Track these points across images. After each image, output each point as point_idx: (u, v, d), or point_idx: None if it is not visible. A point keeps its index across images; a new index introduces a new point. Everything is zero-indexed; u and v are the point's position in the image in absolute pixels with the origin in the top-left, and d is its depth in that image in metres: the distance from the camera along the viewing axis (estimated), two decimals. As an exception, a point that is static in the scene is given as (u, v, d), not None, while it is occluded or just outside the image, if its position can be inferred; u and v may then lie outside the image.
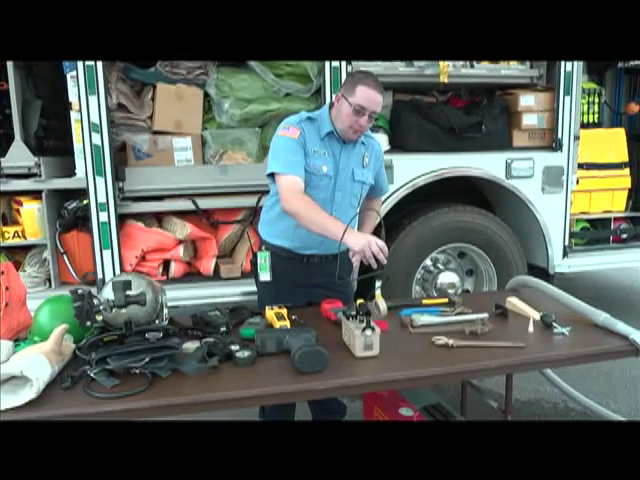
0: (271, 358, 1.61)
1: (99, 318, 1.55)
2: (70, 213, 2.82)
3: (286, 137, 2.00)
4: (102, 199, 2.78)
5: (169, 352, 1.51)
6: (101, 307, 1.51)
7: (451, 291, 3.26)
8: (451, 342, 1.69)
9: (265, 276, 2.11)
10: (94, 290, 2.61)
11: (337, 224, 1.78)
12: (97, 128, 2.69)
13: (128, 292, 1.51)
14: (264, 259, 2.11)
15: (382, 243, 1.70)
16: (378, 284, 1.61)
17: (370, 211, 2.25)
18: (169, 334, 1.58)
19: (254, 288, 2.33)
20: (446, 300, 2.11)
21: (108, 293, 1.55)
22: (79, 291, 1.47)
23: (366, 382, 1.50)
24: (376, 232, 1.99)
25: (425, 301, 2.11)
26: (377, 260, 1.70)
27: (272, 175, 2.02)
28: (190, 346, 1.64)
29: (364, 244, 1.70)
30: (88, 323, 1.47)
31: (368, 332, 1.59)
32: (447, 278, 3.37)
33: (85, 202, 2.81)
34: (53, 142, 3.06)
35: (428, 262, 3.40)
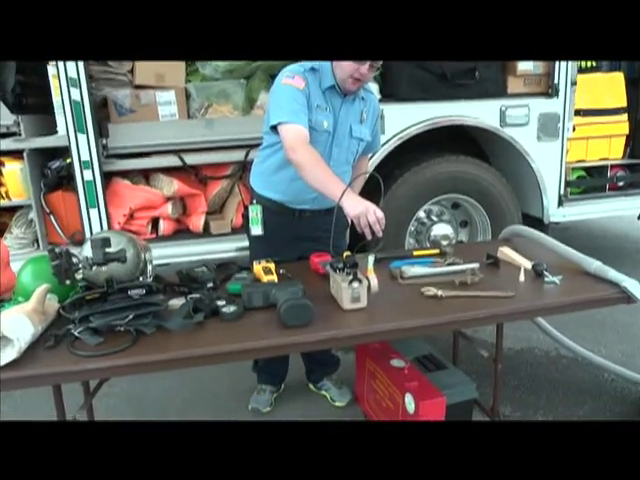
0: (258, 313, 1.60)
1: (79, 277, 1.52)
2: (54, 173, 2.77)
3: (291, 86, 1.92)
4: (85, 157, 2.73)
5: (153, 309, 1.50)
6: (80, 265, 1.48)
7: (445, 243, 3.23)
8: (440, 293, 1.68)
9: (257, 230, 2.10)
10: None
11: (339, 184, 1.72)
12: (75, 83, 2.62)
13: (107, 249, 1.49)
14: (256, 213, 2.10)
15: (381, 214, 1.63)
16: (371, 259, 1.56)
17: (358, 170, 2.22)
18: (153, 291, 1.57)
19: (245, 244, 2.32)
20: (437, 251, 2.10)
21: (87, 251, 1.52)
22: (57, 250, 1.44)
23: (353, 334, 1.50)
24: (370, 196, 1.93)
25: (416, 252, 2.10)
26: (373, 231, 1.65)
27: (273, 126, 1.96)
28: (176, 303, 1.63)
29: (361, 211, 1.63)
30: (67, 282, 1.45)
31: (355, 284, 1.58)
32: (441, 230, 3.35)
33: (68, 161, 2.75)
34: (33, 99, 2.98)
35: (421, 214, 3.38)
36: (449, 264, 1.93)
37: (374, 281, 1.63)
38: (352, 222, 1.68)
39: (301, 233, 2.14)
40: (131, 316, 1.45)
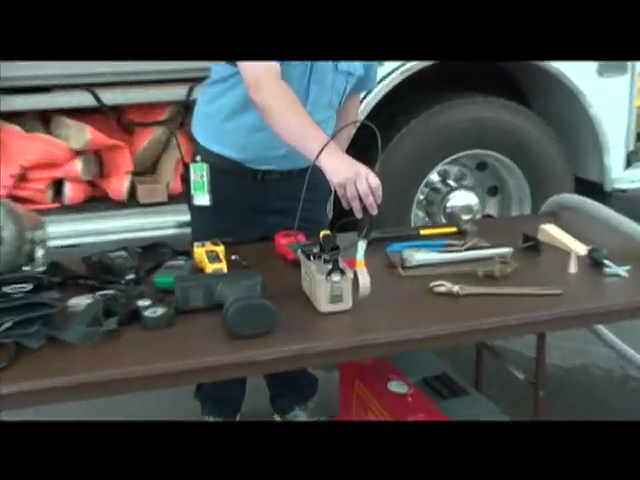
0: (196, 317, 1.57)
1: None
2: None
3: None
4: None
5: (42, 312, 1.44)
6: None
7: (466, 218, 3.20)
8: (457, 289, 1.65)
9: (202, 199, 2.09)
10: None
11: (319, 136, 1.67)
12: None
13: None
14: (200, 174, 2.09)
15: (376, 181, 1.58)
16: (361, 246, 1.54)
17: (345, 117, 2.20)
18: (43, 286, 1.51)
19: (186, 218, 2.33)
20: (454, 229, 2.07)
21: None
22: None
23: (332, 348, 1.47)
24: (362, 153, 1.88)
25: (424, 231, 2.07)
26: (364, 206, 1.59)
27: None
28: (79, 303, 1.58)
29: (349, 176, 1.58)
30: None
31: (335, 277, 1.53)
32: (461, 199, 3.34)
33: None
34: None
35: (434, 177, 3.34)
36: (470, 248, 1.90)
37: (364, 278, 1.56)
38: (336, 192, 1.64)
39: (264, 204, 2.14)
40: (9, 323, 1.40)
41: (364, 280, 1.57)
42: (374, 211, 1.57)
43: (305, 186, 1.61)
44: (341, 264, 1.56)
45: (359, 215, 1.58)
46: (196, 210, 2.19)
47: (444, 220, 3.34)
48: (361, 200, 1.57)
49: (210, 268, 1.73)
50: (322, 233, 1.63)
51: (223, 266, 1.74)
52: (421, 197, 3.32)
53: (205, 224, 2.16)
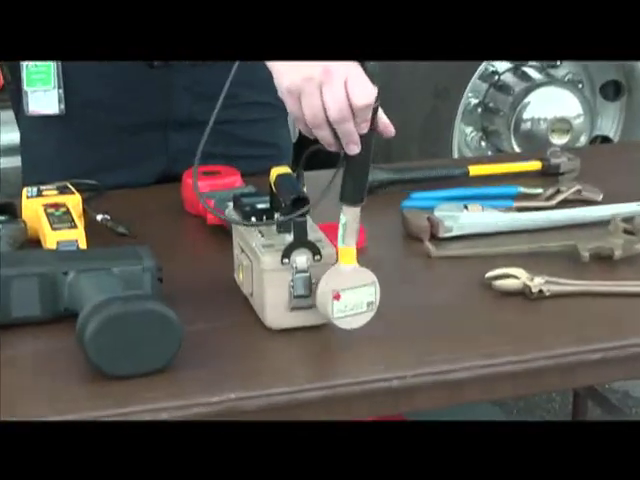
0: (26, 335, 1.13)
1: None
2: None
3: None
4: None
5: None
6: None
7: (561, 141, 2.48)
8: (537, 283, 1.19)
9: (44, 101, 1.59)
10: None
11: None
12: None
13: None
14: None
15: (365, 89, 1.12)
16: (342, 221, 1.06)
17: None
18: None
19: (14, 138, 1.90)
20: (536, 165, 1.60)
21: None
22: None
23: (287, 401, 1.04)
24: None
25: (476, 169, 1.58)
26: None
27: None
28: None
29: (308, 75, 1.13)
30: None
31: (300, 259, 1.06)
32: (550, 105, 2.59)
33: None
34: None
35: (499, 63, 2.56)
36: (566, 203, 1.48)
37: (367, 275, 1.12)
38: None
39: (165, 110, 1.61)
40: None
41: (367, 276, 1.10)
42: (355, 148, 1.08)
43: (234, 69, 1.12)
44: (313, 234, 1.10)
45: (332, 149, 1.10)
46: (30, 125, 1.65)
47: (516, 147, 2.63)
48: (334, 130, 1.10)
49: (53, 239, 1.26)
50: (275, 171, 1.15)
51: (79, 235, 1.25)
52: (473, 101, 2.62)
53: (48, 151, 1.64)
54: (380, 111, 1.08)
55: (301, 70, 1.10)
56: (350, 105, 1.05)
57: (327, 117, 1.07)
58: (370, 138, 1.05)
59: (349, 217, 1.06)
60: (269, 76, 1.16)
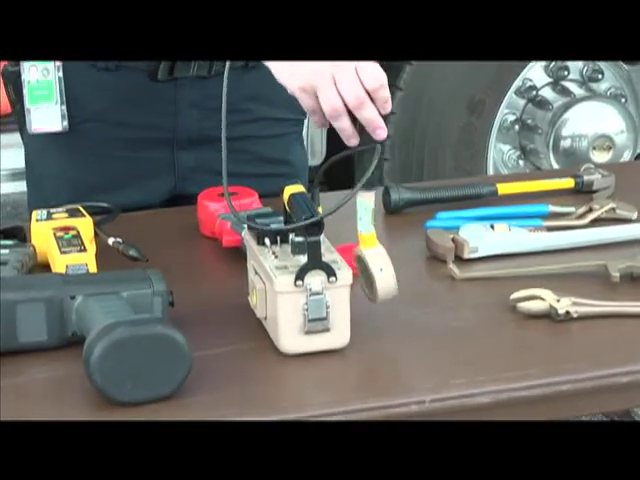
0: (31, 362, 1.09)
1: None
2: None
3: None
4: None
5: None
6: None
7: (602, 159, 2.40)
8: (567, 305, 1.15)
9: (47, 119, 1.55)
10: None
11: None
12: None
13: None
14: (44, 69, 1.56)
15: (376, 72, 1.15)
16: (366, 201, 1.05)
17: None
18: None
19: (20, 161, 1.78)
20: (568, 182, 1.55)
21: None
22: None
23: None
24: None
25: (505, 187, 1.54)
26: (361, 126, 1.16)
27: None
28: None
29: (317, 69, 1.16)
30: None
31: (315, 281, 1.01)
32: (591, 121, 2.50)
33: None
34: None
35: (537, 74, 2.49)
36: (596, 221, 1.45)
37: (388, 273, 1.10)
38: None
39: (175, 128, 1.57)
40: None
41: (386, 276, 1.08)
42: (382, 132, 1.07)
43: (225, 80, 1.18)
44: (328, 255, 1.07)
45: (352, 142, 1.10)
46: (36, 142, 1.61)
47: (556, 165, 2.52)
48: (352, 114, 1.10)
49: (62, 263, 1.22)
50: (289, 189, 1.11)
51: (89, 259, 1.23)
52: (510, 117, 2.53)
53: (52, 170, 1.60)
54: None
55: (308, 67, 1.14)
56: (363, 86, 1.09)
57: (344, 104, 1.09)
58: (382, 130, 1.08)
59: (370, 202, 1.06)
60: (282, 90, 1.18)
